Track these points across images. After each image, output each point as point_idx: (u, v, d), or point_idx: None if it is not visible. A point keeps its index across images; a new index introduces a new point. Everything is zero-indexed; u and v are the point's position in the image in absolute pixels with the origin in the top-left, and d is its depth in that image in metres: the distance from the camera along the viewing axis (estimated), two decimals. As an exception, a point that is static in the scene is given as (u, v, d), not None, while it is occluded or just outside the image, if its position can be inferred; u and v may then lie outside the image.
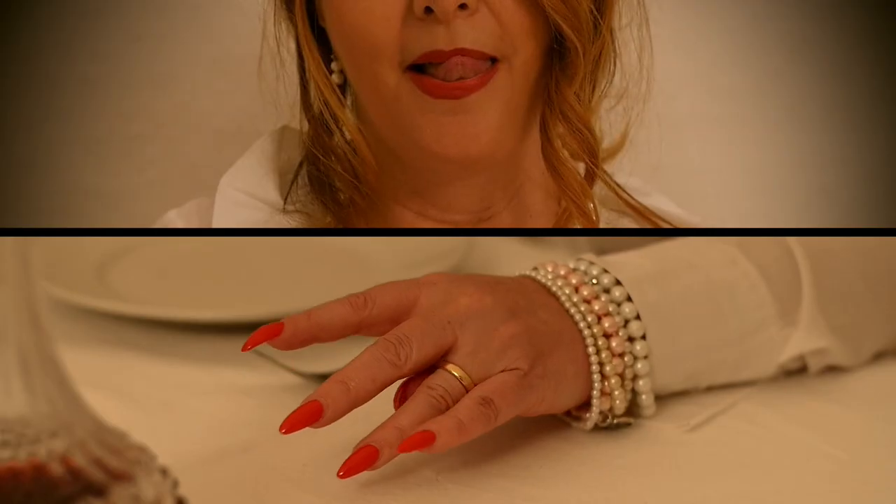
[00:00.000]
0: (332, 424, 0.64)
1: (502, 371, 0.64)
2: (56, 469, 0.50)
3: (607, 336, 0.68)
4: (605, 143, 0.81)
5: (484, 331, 0.65)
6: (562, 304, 0.68)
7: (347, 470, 0.61)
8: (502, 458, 0.66)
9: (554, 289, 0.68)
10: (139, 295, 0.93)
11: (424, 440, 0.61)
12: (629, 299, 0.68)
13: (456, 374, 0.64)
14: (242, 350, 0.66)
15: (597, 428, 0.68)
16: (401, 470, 0.65)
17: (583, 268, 0.70)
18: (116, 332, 0.86)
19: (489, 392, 0.63)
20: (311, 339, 0.66)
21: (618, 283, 0.69)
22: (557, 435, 0.69)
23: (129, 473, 0.52)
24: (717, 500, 0.63)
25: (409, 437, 0.61)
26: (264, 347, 0.79)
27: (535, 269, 0.70)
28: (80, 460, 0.51)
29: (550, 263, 0.70)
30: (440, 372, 0.64)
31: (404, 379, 0.65)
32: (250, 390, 0.76)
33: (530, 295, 0.68)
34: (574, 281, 0.69)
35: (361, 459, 0.61)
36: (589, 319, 0.67)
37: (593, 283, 0.69)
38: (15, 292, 0.50)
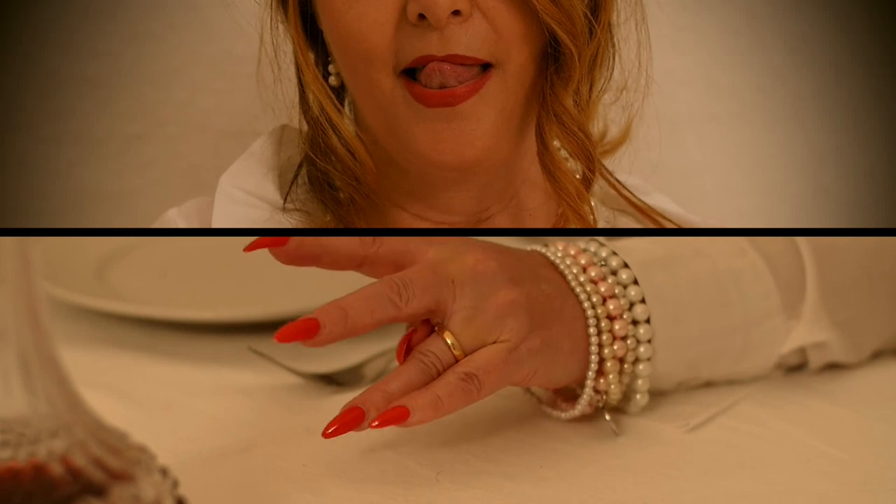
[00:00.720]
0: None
1: (494, 343, 0.65)
2: (56, 469, 0.50)
3: (611, 318, 0.68)
4: (607, 138, 0.81)
5: (483, 295, 0.65)
6: (568, 283, 0.68)
7: (334, 431, 0.62)
8: (502, 458, 0.66)
9: (562, 267, 0.69)
10: (139, 295, 0.93)
11: (398, 416, 0.62)
12: (636, 282, 0.69)
13: (449, 341, 0.64)
14: (245, 250, 0.66)
15: (590, 424, 0.69)
16: (401, 470, 0.65)
17: (592, 248, 0.70)
18: (116, 332, 0.86)
19: (474, 368, 0.64)
20: (313, 259, 0.67)
21: (626, 266, 0.69)
22: (557, 435, 0.69)
23: (129, 473, 0.52)
24: (717, 500, 0.63)
25: (384, 413, 0.62)
26: (264, 348, 0.80)
27: (546, 245, 0.71)
28: (80, 460, 0.51)
29: (561, 242, 0.71)
30: (434, 337, 0.65)
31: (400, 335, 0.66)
32: (250, 390, 0.76)
33: (537, 268, 0.68)
34: (583, 261, 0.69)
35: (348, 421, 0.62)
36: (594, 300, 0.68)
37: (602, 265, 0.69)
38: (15, 292, 0.50)
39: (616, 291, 0.68)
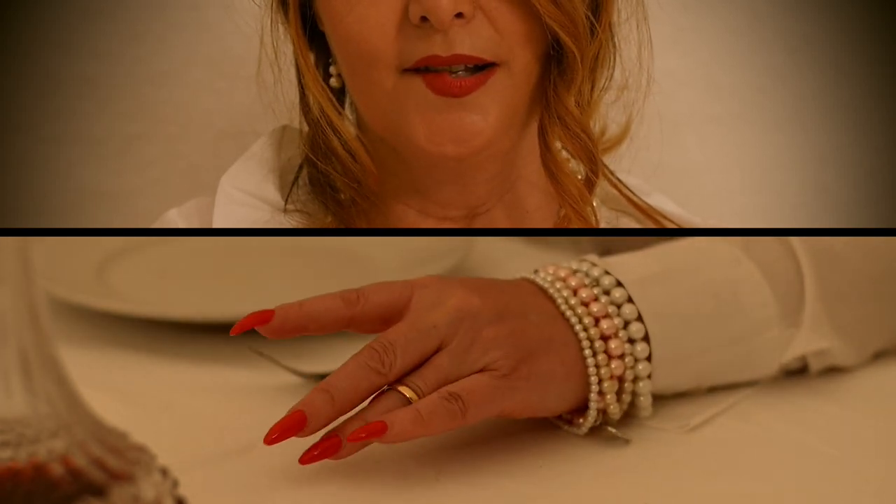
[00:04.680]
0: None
1: (480, 371, 0.65)
2: (56, 469, 0.50)
3: (605, 338, 0.68)
4: (606, 136, 0.81)
5: (468, 331, 0.65)
6: (558, 307, 0.68)
7: (311, 457, 0.62)
8: (502, 458, 0.66)
9: (551, 291, 0.68)
10: (139, 295, 0.93)
11: (376, 430, 0.61)
12: (630, 300, 0.68)
13: (407, 395, 0.64)
14: (231, 333, 0.66)
15: (592, 431, 0.68)
16: (401, 470, 0.65)
17: (584, 269, 0.70)
18: (116, 332, 0.86)
19: (458, 389, 0.63)
20: (300, 330, 0.66)
21: (619, 284, 0.69)
22: (557, 435, 0.69)
23: (129, 473, 0.52)
24: (717, 500, 0.63)
25: (360, 427, 0.62)
26: (265, 347, 0.80)
27: (536, 271, 0.70)
28: (80, 460, 0.51)
29: (552, 266, 0.70)
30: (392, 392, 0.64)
31: None
32: (250, 390, 0.76)
33: (524, 298, 0.68)
34: (573, 283, 0.69)
35: (327, 447, 0.62)
36: (585, 322, 0.67)
37: (594, 286, 0.69)
38: (15, 292, 0.50)
39: (609, 311, 0.68)
